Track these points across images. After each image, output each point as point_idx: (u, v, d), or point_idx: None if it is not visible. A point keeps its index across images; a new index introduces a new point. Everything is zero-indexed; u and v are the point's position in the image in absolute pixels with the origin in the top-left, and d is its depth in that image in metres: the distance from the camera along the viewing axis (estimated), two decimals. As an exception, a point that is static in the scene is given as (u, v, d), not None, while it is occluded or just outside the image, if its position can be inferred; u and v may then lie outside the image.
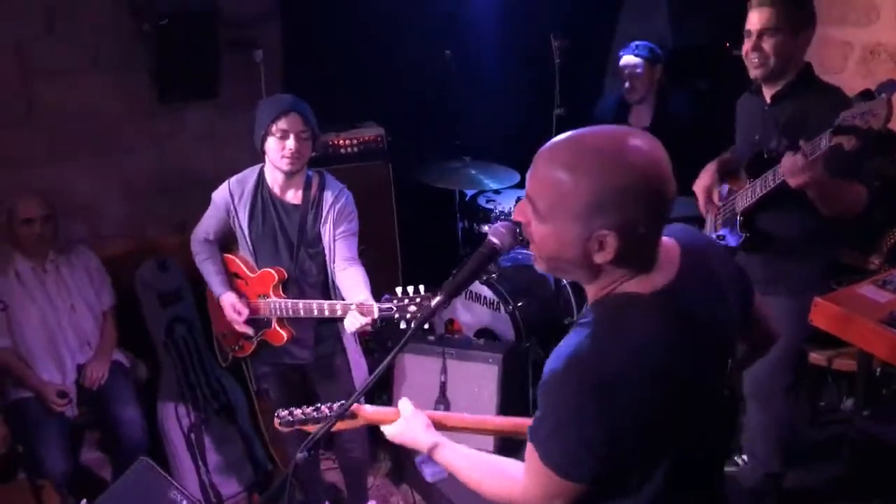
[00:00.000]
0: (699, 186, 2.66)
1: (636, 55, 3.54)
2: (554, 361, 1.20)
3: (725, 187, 2.63)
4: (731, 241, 2.54)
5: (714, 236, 2.61)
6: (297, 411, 1.75)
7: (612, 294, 1.23)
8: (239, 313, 2.62)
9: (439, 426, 1.64)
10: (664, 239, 1.27)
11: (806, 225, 2.37)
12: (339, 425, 1.66)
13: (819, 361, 3.07)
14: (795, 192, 2.20)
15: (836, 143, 2.00)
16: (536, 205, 1.21)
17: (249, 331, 2.65)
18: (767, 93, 2.45)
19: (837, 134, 1.99)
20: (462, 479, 1.49)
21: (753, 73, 2.40)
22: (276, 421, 1.79)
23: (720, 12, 4.25)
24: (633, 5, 4.66)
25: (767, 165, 2.34)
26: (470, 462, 1.49)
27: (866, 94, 2.07)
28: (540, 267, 1.30)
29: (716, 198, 2.61)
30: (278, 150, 2.45)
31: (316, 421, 1.72)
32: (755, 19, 2.34)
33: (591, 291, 1.27)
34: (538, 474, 1.24)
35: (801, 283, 2.44)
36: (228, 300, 2.64)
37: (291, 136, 2.43)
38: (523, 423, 1.58)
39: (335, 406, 1.70)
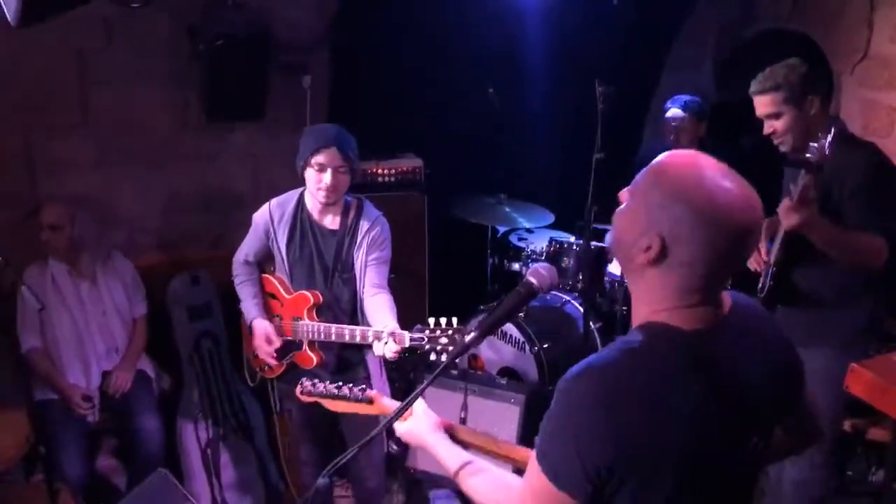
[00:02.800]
0: None
1: (684, 110, 3.56)
2: (577, 366, 1.22)
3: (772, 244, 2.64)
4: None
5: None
6: (321, 385, 1.82)
7: (656, 322, 1.25)
8: (269, 342, 2.63)
9: (451, 435, 1.64)
10: (724, 293, 1.29)
11: (832, 281, 2.43)
12: (355, 408, 1.76)
13: (849, 429, 3.00)
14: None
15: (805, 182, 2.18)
16: (637, 183, 1.28)
17: (274, 361, 2.66)
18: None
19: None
20: (459, 481, 1.49)
21: (781, 149, 2.49)
22: (299, 388, 1.86)
23: (764, 68, 4.28)
24: (679, 58, 4.70)
25: None
26: (471, 467, 1.49)
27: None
28: (609, 247, 1.39)
29: (763, 254, 2.63)
30: (315, 183, 2.50)
31: (334, 398, 1.79)
32: (757, 108, 2.47)
33: (639, 309, 1.30)
34: (533, 477, 1.25)
35: (839, 342, 2.45)
36: (261, 327, 2.65)
37: (329, 171, 2.46)
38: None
39: (356, 389, 1.78)
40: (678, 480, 1.19)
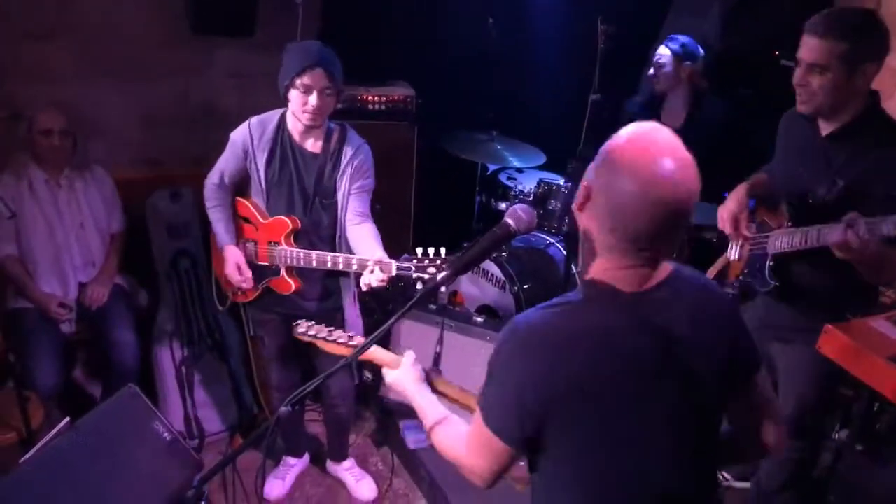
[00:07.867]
0: (726, 211, 2.41)
1: (667, 47, 3.40)
2: (518, 315, 1.36)
3: (755, 223, 2.42)
4: (757, 283, 2.38)
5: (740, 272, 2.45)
6: (315, 328, 1.89)
7: (596, 280, 1.35)
8: (240, 272, 2.60)
9: (431, 384, 1.76)
10: (667, 263, 1.38)
11: (843, 286, 2.20)
12: (344, 351, 1.82)
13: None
14: None
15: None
16: None
17: (249, 286, 2.63)
18: (823, 127, 2.18)
19: None
20: (427, 429, 1.60)
21: (799, 107, 2.14)
22: (294, 330, 1.93)
23: (773, 18, 4.14)
24: (685, 2, 4.54)
25: (813, 216, 2.13)
26: (441, 420, 1.58)
27: None
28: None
29: (744, 228, 2.37)
30: (300, 105, 2.41)
31: (325, 341, 1.87)
32: (805, 49, 2.06)
33: (586, 269, 1.39)
34: (475, 421, 1.39)
35: None
36: (233, 256, 2.61)
37: (315, 93, 2.38)
38: None
39: (345, 335, 1.85)
40: (602, 423, 1.30)
